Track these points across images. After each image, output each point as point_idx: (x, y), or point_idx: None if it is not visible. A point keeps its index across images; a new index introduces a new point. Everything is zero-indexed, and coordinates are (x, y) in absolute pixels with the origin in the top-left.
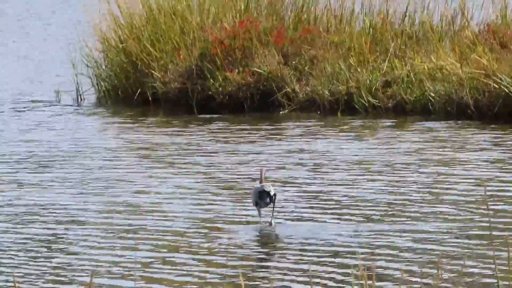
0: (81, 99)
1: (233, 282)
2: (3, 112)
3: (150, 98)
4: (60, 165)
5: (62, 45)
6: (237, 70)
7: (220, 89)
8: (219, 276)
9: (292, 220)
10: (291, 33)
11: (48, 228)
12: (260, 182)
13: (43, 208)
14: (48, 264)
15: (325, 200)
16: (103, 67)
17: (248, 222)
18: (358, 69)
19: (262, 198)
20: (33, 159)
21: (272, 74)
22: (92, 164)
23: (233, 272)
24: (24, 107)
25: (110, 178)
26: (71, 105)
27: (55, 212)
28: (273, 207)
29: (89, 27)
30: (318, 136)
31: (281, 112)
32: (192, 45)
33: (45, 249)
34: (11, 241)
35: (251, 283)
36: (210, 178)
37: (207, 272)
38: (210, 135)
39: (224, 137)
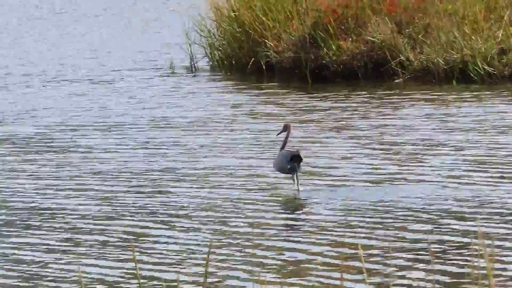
0: (195, 69)
1: None
2: (120, 82)
3: (263, 67)
4: (181, 131)
5: (175, 15)
6: (350, 39)
7: (334, 58)
8: None
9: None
10: (404, 1)
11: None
12: (285, 143)
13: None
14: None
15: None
16: (216, 36)
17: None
18: (473, 37)
19: (295, 163)
20: (149, 126)
21: (385, 43)
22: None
23: None
24: (140, 77)
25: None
26: (185, 74)
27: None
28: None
29: None
30: (439, 103)
31: (395, 81)
32: (304, 14)
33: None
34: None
35: None
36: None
37: None
38: (328, 105)
39: (341, 107)
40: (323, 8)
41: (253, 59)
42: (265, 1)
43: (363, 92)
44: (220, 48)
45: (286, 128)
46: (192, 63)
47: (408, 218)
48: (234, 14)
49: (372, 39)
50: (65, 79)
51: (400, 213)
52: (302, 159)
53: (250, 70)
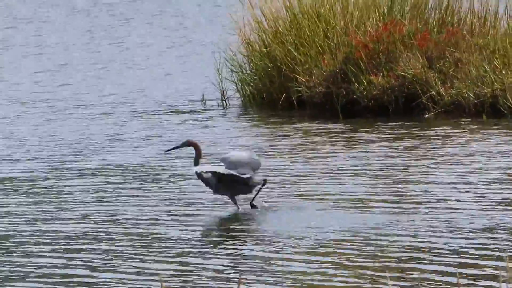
0: (226, 104)
1: None
2: (150, 116)
3: (295, 102)
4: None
5: (206, 50)
6: (381, 74)
7: (365, 92)
8: None
9: None
10: (435, 36)
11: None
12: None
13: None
14: None
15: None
16: (248, 71)
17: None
18: (503, 71)
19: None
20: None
21: (416, 77)
22: None
23: None
24: (171, 112)
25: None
26: (216, 109)
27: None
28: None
29: (233, 32)
30: (469, 137)
31: (426, 115)
32: (336, 49)
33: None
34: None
35: None
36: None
37: None
38: (359, 139)
39: (372, 141)
40: (354, 43)
41: (284, 94)
42: (297, 36)
43: (394, 127)
44: (252, 84)
45: (189, 144)
46: (223, 98)
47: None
48: (266, 49)
49: (403, 73)
50: (98, 110)
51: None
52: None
53: (281, 106)
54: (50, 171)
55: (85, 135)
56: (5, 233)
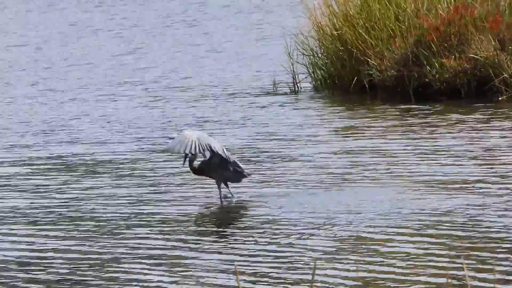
0: (297, 88)
1: None
2: (222, 101)
3: (366, 86)
4: (279, 154)
5: (277, 34)
6: (453, 57)
7: (437, 75)
8: None
9: None
10: (507, 18)
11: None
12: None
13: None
14: None
15: None
16: (319, 55)
17: None
18: None
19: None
20: (251, 146)
21: (488, 60)
22: (312, 151)
23: None
24: (242, 96)
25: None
26: (287, 94)
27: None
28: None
29: (304, 15)
30: None
31: (499, 98)
32: (407, 32)
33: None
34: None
35: None
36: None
37: None
38: (431, 123)
39: (445, 124)
40: (425, 25)
41: (355, 77)
42: (367, 19)
43: (466, 110)
44: (323, 67)
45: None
46: (295, 82)
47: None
48: (337, 33)
49: (475, 56)
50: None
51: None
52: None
53: (353, 89)
54: (149, 153)
55: (170, 118)
56: (110, 215)
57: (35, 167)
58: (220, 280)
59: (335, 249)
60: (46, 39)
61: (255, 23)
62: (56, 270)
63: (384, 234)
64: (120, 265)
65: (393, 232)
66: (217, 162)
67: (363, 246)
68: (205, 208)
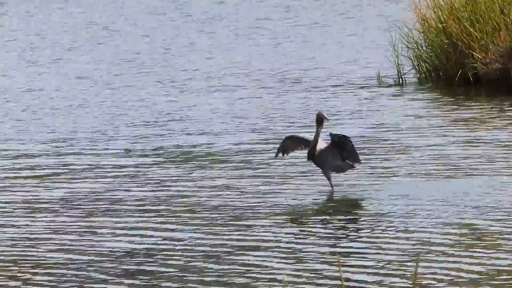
0: (402, 81)
1: None
2: (326, 92)
3: (471, 79)
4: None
5: (383, 26)
6: None
7: None
8: None
9: None
10: None
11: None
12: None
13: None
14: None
15: None
16: (423, 48)
17: None
18: None
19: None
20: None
21: None
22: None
23: None
24: (345, 88)
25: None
26: (392, 86)
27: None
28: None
29: (409, 8)
30: None
31: None
32: None
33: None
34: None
35: None
36: None
37: None
38: None
39: None
40: None
41: (460, 70)
42: (472, 12)
43: None
44: (428, 60)
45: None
46: (400, 75)
47: None
48: (442, 26)
49: None
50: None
51: None
52: None
53: (457, 82)
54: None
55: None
56: (230, 206)
57: (158, 158)
58: (325, 272)
59: (441, 241)
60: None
61: (360, 15)
62: (175, 262)
63: (500, 226)
64: (237, 256)
65: (509, 225)
66: (323, 154)
67: (471, 239)
68: (316, 199)
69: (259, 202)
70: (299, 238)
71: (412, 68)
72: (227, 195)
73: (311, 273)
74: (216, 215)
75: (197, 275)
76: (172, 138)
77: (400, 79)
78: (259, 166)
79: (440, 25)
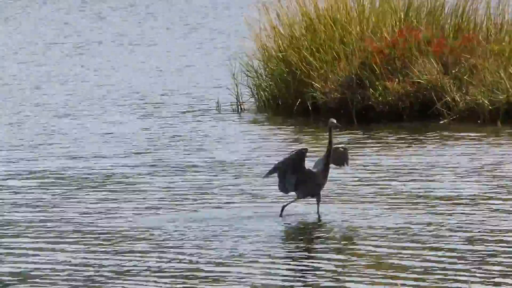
0: (241, 109)
1: None
2: (166, 119)
3: (310, 108)
4: (222, 173)
5: (221, 55)
6: (396, 80)
7: (380, 98)
8: None
9: None
10: (450, 42)
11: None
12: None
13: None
14: None
15: None
16: (263, 76)
17: None
18: None
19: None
20: (192, 167)
21: (431, 84)
22: (253, 172)
23: None
24: (186, 116)
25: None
26: (231, 114)
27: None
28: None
29: (249, 37)
30: (484, 143)
31: (440, 122)
32: (351, 54)
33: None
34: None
35: None
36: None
37: None
38: (374, 145)
39: (387, 146)
40: (370, 48)
41: (299, 99)
42: (312, 41)
43: (408, 133)
44: (267, 89)
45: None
46: (239, 103)
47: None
48: (281, 55)
49: (418, 80)
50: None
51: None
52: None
53: (296, 111)
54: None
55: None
56: (109, 229)
57: (32, 181)
58: None
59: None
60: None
61: (198, 44)
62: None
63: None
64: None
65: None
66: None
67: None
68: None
69: (132, 227)
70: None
71: (251, 97)
72: (100, 219)
73: None
74: (90, 238)
75: None
76: (41, 162)
77: (239, 108)
78: (139, 190)
79: (280, 54)
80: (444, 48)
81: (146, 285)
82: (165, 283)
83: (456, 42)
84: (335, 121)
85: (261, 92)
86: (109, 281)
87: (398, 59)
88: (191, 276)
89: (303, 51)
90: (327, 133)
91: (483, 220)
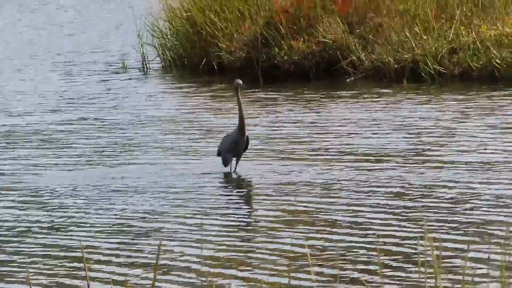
0: (146, 69)
1: None
2: (71, 78)
3: (215, 67)
4: (122, 131)
5: (127, 15)
6: (302, 39)
7: (286, 57)
8: None
9: None
10: (356, 1)
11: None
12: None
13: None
14: None
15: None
16: (168, 36)
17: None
18: (424, 37)
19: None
20: (98, 124)
21: (337, 43)
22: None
23: None
24: (92, 75)
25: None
26: (137, 74)
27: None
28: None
29: None
30: (389, 102)
31: (346, 80)
32: (256, 14)
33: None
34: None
35: None
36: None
37: None
38: (276, 104)
39: (295, 104)
40: (275, 7)
41: (205, 59)
42: (216, 1)
43: (314, 91)
44: (172, 49)
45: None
46: (144, 63)
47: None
48: (186, 15)
49: (324, 39)
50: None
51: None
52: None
53: (202, 70)
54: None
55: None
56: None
57: None
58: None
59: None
60: None
61: (104, 4)
62: None
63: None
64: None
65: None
66: None
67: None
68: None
69: (60, 183)
70: (106, 218)
71: (157, 56)
72: (27, 174)
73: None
74: (18, 195)
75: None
76: None
77: (145, 67)
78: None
79: (185, 14)
80: (349, 7)
81: (76, 239)
82: (92, 236)
83: (361, 1)
84: (240, 81)
85: (167, 52)
86: (38, 236)
87: (303, 18)
88: (118, 231)
89: (207, 11)
90: (234, 94)
91: (404, 175)
